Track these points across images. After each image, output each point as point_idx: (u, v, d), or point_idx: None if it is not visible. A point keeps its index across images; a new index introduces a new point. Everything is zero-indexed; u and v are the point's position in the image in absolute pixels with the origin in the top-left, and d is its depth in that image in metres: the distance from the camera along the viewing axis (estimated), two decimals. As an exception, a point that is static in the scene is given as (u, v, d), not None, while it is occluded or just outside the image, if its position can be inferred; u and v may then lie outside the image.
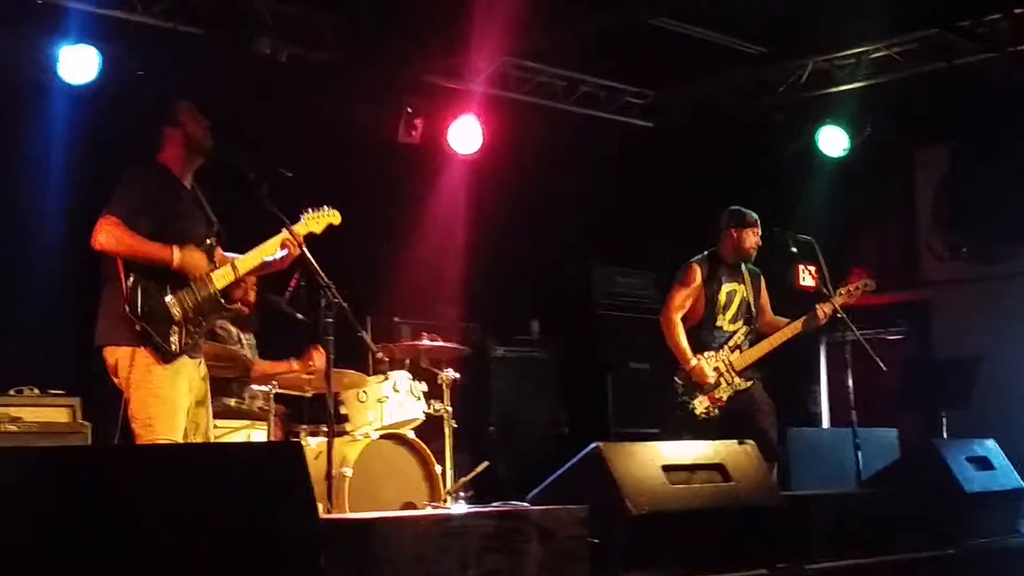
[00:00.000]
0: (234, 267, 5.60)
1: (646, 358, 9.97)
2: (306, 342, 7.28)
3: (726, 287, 7.34)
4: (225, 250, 5.70)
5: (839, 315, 7.29)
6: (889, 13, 8.85)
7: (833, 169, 10.12)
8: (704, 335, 7.30)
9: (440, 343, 7.36)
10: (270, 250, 5.70)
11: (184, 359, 5.40)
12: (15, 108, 7.70)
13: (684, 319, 7.30)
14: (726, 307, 7.33)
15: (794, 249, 7.45)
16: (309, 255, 5.71)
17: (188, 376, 5.45)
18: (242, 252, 5.70)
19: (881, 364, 7.26)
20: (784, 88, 10.07)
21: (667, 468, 5.38)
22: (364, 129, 9.13)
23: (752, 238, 7.37)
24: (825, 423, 10.96)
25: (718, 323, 7.31)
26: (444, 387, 7.13)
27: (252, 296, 7.40)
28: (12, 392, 6.77)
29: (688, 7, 8.75)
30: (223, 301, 5.56)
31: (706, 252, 7.43)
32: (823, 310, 7.26)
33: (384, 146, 9.26)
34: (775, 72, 10.06)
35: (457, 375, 7.23)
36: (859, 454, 7.18)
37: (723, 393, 7.21)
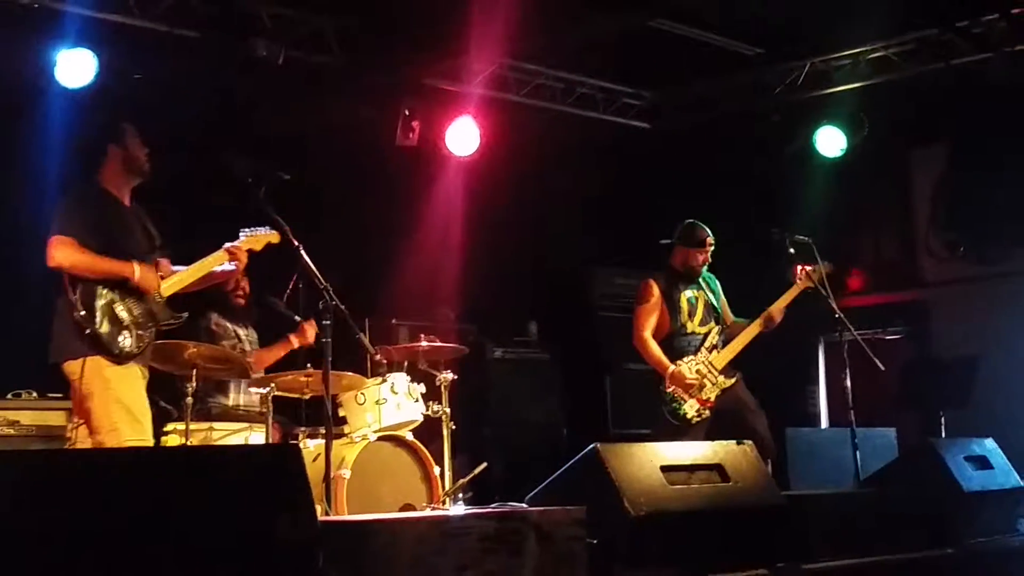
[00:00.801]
0: (180, 279, 5.80)
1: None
2: (304, 348, 7.33)
3: (685, 294, 7.54)
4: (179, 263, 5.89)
5: (836, 315, 7.33)
6: (886, 14, 8.86)
7: (831, 169, 10.12)
8: (679, 343, 7.48)
9: (438, 345, 7.36)
10: (212, 264, 5.92)
11: (134, 367, 5.54)
12: (13, 111, 7.70)
13: (656, 334, 7.49)
14: (692, 313, 7.52)
15: (792, 250, 7.50)
16: (307, 258, 5.73)
17: (140, 381, 5.57)
18: None
19: (879, 364, 7.28)
20: (781, 89, 10.08)
21: (666, 469, 5.37)
22: (362, 131, 9.14)
23: (699, 258, 7.56)
24: (823, 423, 10.97)
25: (689, 329, 7.50)
26: (442, 389, 7.13)
27: (246, 284, 7.43)
28: (10, 395, 6.78)
29: (686, 9, 8.76)
30: (170, 311, 5.72)
31: (662, 268, 7.64)
32: (780, 304, 7.43)
33: (382, 148, 9.26)
34: (773, 73, 10.07)
35: (455, 377, 7.23)
36: (857, 454, 7.18)
37: (710, 393, 7.36)
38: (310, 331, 7.27)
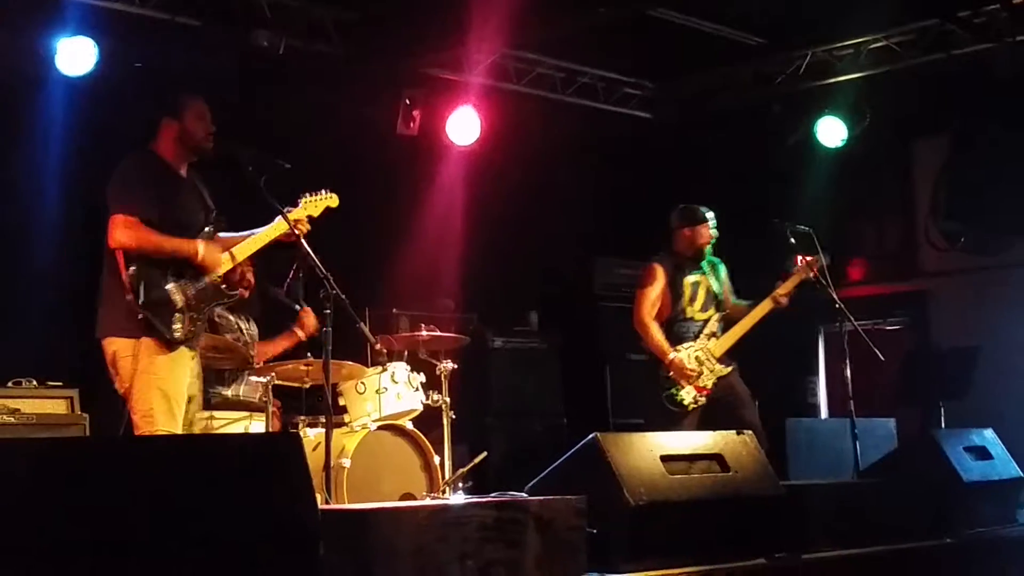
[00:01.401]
0: (232, 255, 5.62)
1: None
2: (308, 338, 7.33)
3: (688, 280, 7.51)
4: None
5: (836, 305, 7.33)
6: (888, 4, 8.85)
7: (832, 160, 10.11)
8: (678, 328, 7.47)
9: (438, 334, 7.35)
10: (272, 234, 5.74)
11: (184, 350, 5.42)
12: (12, 100, 7.69)
13: (656, 317, 7.47)
14: (692, 298, 7.50)
15: (792, 240, 7.49)
16: (307, 247, 5.72)
17: (187, 368, 5.47)
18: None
19: (879, 355, 7.29)
20: (783, 79, 10.07)
21: (665, 458, 5.38)
22: (362, 121, 9.13)
23: (705, 234, 7.52)
24: (823, 414, 10.98)
25: (688, 314, 7.48)
26: (442, 378, 7.13)
27: (250, 276, 7.41)
28: (10, 384, 6.78)
29: (686, -2, 8.76)
30: (224, 288, 5.59)
31: (662, 252, 7.61)
32: (783, 289, 7.37)
33: (382, 137, 9.25)
34: (774, 63, 10.05)
35: (455, 366, 7.23)
36: (857, 444, 7.18)
37: (707, 381, 7.38)
38: (309, 319, 7.25)
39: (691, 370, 7.34)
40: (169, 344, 5.35)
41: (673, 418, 7.30)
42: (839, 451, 7.71)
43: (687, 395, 7.35)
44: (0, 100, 7.56)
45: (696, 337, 7.46)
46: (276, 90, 8.55)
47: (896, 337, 10.73)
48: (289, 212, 5.74)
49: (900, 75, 9.56)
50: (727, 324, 7.54)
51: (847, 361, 7.35)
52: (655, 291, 7.49)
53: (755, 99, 10.26)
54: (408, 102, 9.25)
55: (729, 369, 7.42)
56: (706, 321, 7.49)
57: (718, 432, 5.84)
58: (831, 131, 9.97)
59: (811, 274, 7.39)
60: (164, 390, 5.36)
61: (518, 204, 9.76)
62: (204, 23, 8.03)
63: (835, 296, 7.34)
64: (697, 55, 9.89)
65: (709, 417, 7.24)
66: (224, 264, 5.59)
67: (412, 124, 9.29)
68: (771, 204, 7.50)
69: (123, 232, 5.33)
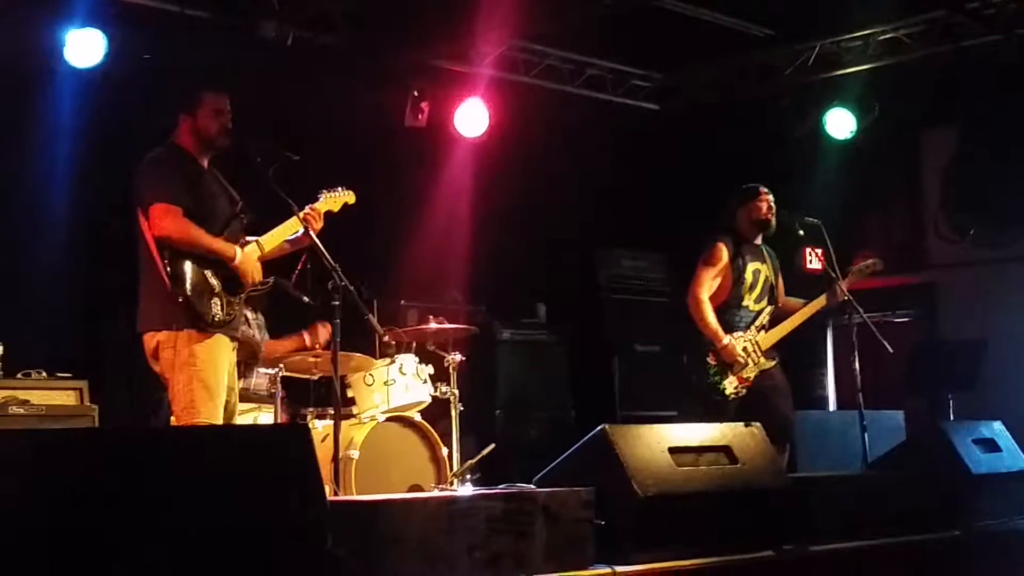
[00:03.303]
0: (259, 245, 5.65)
1: (653, 340, 9.98)
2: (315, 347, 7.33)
3: (751, 266, 7.27)
4: (250, 228, 5.75)
5: (847, 297, 7.31)
6: (896, -5, 8.85)
7: (840, 152, 10.10)
8: (730, 315, 7.22)
9: (446, 326, 7.36)
10: (292, 228, 5.76)
11: (223, 338, 5.45)
12: (22, 92, 7.70)
13: (713, 297, 7.21)
14: (752, 286, 7.26)
15: (801, 232, 7.45)
16: (316, 239, 5.73)
17: (227, 357, 5.48)
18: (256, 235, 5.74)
19: (888, 347, 7.26)
20: (791, 71, 10.04)
21: (674, 450, 5.37)
22: (370, 112, 9.13)
23: (764, 204, 7.31)
24: (832, 406, 10.98)
25: (744, 302, 7.25)
26: (450, 370, 7.14)
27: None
28: (20, 375, 6.79)
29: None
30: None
31: (726, 231, 7.34)
32: (841, 287, 7.26)
33: (390, 129, 9.25)
34: (782, 54, 10.03)
35: (463, 358, 7.24)
36: (865, 436, 7.17)
37: (750, 372, 7.18)
38: (323, 333, 7.21)
39: (740, 358, 7.12)
40: (208, 330, 5.37)
41: (714, 407, 7.08)
42: (847, 443, 7.70)
43: (729, 385, 7.12)
44: (9, 92, 7.56)
45: (748, 327, 7.23)
46: (284, 82, 8.54)
47: (905, 329, 10.72)
48: (311, 206, 5.75)
49: (908, 67, 9.54)
50: (775, 318, 7.37)
51: (855, 353, 7.33)
52: (716, 270, 7.20)
53: (763, 91, 10.24)
54: (416, 94, 9.25)
55: (773, 363, 7.26)
56: (759, 312, 7.28)
57: (726, 424, 5.83)
58: (839, 123, 9.95)
59: (864, 277, 7.33)
60: (204, 380, 5.37)
61: (526, 196, 9.76)
62: (213, 15, 8.03)
63: (844, 288, 7.32)
64: (705, 47, 9.88)
65: (745, 406, 7.04)
66: (258, 273, 5.61)
67: (420, 116, 9.29)
68: (779, 196, 7.47)
69: (168, 221, 5.35)
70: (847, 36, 9.66)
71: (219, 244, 5.46)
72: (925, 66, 9.46)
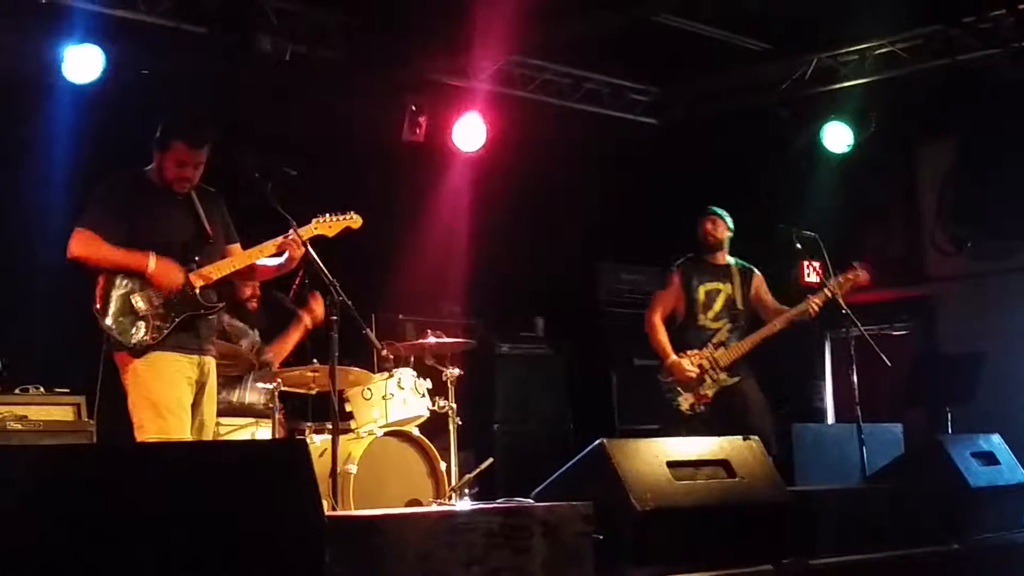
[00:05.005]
0: (218, 267, 5.61)
1: (651, 355, 9.92)
2: (308, 341, 7.33)
3: (706, 286, 7.59)
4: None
5: (843, 310, 7.33)
6: (893, 9, 8.85)
7: (837, 165, 10.11)
8: (688, 334, 7.57)
9: (445, 340, 7.36)
10: (265, 252, 5.72)
11: (167, 355, 5.42)
12: (20, 107, 7.71)
13: (670, 320, 7.60)
14: (707, 305, 7.57)
15: (799, 245, 7.52)
16: (313, 253, 5.72)
17: (177, 373, 5.45)
18: None
19: (886, 360, 7.28)
20: (788, 84, 10.06)
21: (672, 464, 5.38)
22: (368, 127, 9.14)
23: (706, 224, 7.65)
24: (830, 418, 10.97)
25: (700, 321, 7.56)
26: (449, 384, 7.14)
27: (258, 292, 7.43)
28: (17, 391, 6.79)
29: (692, 4, 8.75)
30: (201, 299, 5.53)
31: (688, 256, 7.74)
32: (814, 302, 7.36)
33: (388, 144, 9.26)
34: (779, 69, 10.04)
35: (462, 372, 7.24)
36: (864, 449, 7.19)
37: (708, 390, 7.42)
38: (317, 306, 7.26)
39: (690, 373, 7.36)
40: (133, 351, 5.38)
41: (674, 424, 7.37)
42: (846, 456, 7.71)
43: (684, 402, 7.44)
44: (7, 107, 7.58)
45: (704, 345, 7.48)
46: (281, 97, 8.55)
47: (902, 342, 10.73)
48: (294, 232, 5.70)
49: (905, 81, 9.56)
50: (745, 334, 7.52)
51: (853, 366, 7.35)
52: (668, 293, 7.64)
53: (761, 105, 10.26)
54: (414, 108, 9.26)
55: (736, 380, 7.41)
56: (716, 330, 7.52)
57: (724, 438, 5.83)
58: (837, 136, 9.97)
59: (843, 291, 7.39)
60: (150, 398, 5.37)
61: (524, 210, 9.77)
62: (210, 30, 8.05)
63: (841, 301, 7.34)
64: (703, 61, 9.90)
65: (717, 426, 7.18)
66: (205, 276, 5.54)
67: (418, 130, 9.30)
68: (777, 210, 7.51)
69: (74, 242, 5.42)
70: (844, 50, 9.68)
71: (128, 256, 5.42)
72: (922, 80, 9.48)
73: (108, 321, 5.37)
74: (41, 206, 7.75)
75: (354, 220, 5.99)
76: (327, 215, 5.91)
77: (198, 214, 5.65)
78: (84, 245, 5.41)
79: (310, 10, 8.53)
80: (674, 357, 7.43)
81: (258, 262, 5.77)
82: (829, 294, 7.37)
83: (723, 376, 7.41)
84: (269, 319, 7.56)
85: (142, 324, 5.39)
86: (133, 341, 5.37)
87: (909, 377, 9.15)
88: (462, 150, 9.66)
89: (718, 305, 7.55)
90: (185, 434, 5.40)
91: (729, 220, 7.70)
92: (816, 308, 7.36)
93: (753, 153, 10.27)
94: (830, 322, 7.52)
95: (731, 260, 7.71)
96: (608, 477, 5.13)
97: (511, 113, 9.74)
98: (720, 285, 7.59)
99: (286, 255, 5.72)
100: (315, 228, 5.84)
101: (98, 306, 5.38)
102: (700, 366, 7.41)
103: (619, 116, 10.53)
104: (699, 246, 7.70)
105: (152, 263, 5.42)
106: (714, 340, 7.49)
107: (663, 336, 7.53)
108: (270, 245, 5.70)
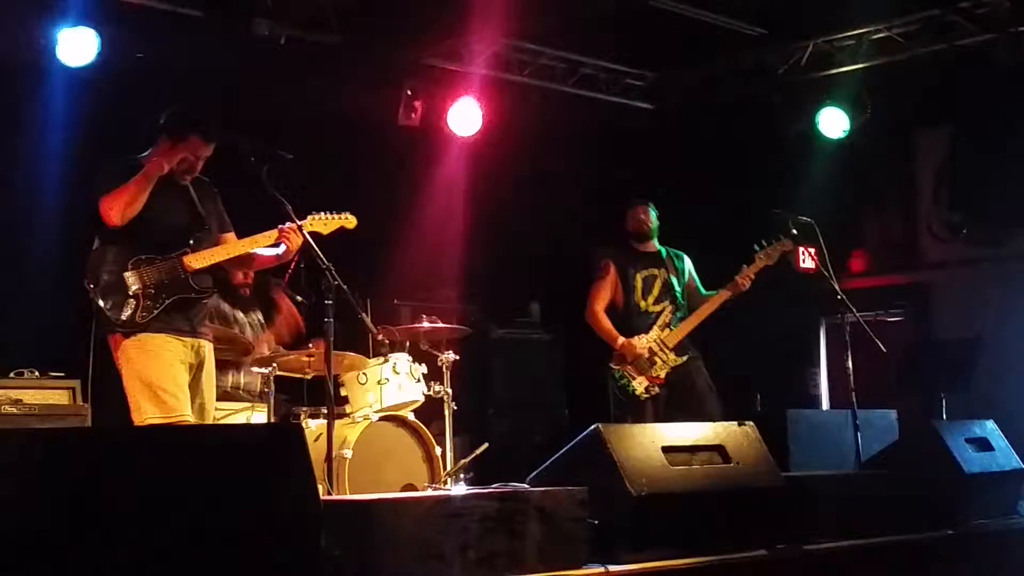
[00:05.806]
0: (212, 253, 5.63)
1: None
2: (307, 323, 7.32)
3: (642, 273, 7.72)
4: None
5: (839, 296, 7.33)
6: (890, -6, 8.85)
7: (834, 151, 10.09)
8: (633, 320, 7.64)
9: (440, 325, 7.35)
10: (260, 243, 5.75)
11: (159, 336, 5.42)
12: (14, 90, 7.69)
13: (612, 308, 7.68)
14: (645, 291, 7.68)
15: (794, 231, 7.50)
16: (310, 239, 5.71)
17: (176, 355, 5.45)
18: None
19: (881, 346, 7.28)
20: (784, 69, 10.04)
21: (667, 449, 5.38)
22: (363, 111, 9.12)
23: (633, 218, 7.83)
24: (825, 405, 10.98)
25: (642, 307, 7.66)
26: (444, 369, 7.13)
27: (250, 279, 7.41)
28: (12, 374, 6.78)
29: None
30: (192, 283, 5.55)
31: (616, 243, 7.90)
32: (747, 274, 7.50)
33: (383, 128, 9.24)
34: (775, 53, 10.02)
35: (457, 357, 7.23)
36: (859, 435, 7.19)
37: (660, 371, 7.50)
38: (294, 236, 7.13)
39: (640, 352, 7.45)
40: (124, 330, 5.38)
41: (627, 409, 7.44)
42: (841, 442, 7.71)
43: (639, 385, 7.49)
44: (1, 90, 7.55)
45: (649, 328, 7.57)
46: (277, 80, 8.53)
47: (898, 328, 10.73)
48: (292, 223, 5.71)
49: (902, 66, 9.53)
50: (686, 315, 7.62)
51: (849, 352, 7.35)
52: (605, 283, 7.73)
53: (756, 90, 10.24)
54: (409, 93, 9.24)
55: (684, 359, 7.52)
56: (659, 313, 7.62)
57: (719, 423, 5.85)
58: (833, 122, 9.95)
59: (773, 261, 7.52)
60: (144, 379, 5.38)
61: (519, 195, 9.76)
62: (205, 13, 8.02)
63: (837, 287, 7.34)
64: (698, 46, 9.87)
65: (670, 406, 7.40)
66: (201, 260, 5.56)
67: (413, 115, 9.29)
68: (773, 195, 7.49)
69: (109, 209, 5.38)
70: (840, 35, 9.65)
71: (146, 172, 5.44)
72: (918, 65, 9.46)
73: (99, 296, 5.38)
74: (35, 189, 7.73)
75: (349, 220, 6.02)
76: (323, 213, 5.93)
77: (193, 201, 5.69)
78: (115, 200, 5.38)
79: (306, -7, 8.51)
80: (623, 339, 7.51)
81: (257, 252, 5.80)
82: (760, 265, 7.50)
83: (672, 356, 7.50)
84: (265, 306, 7.56)
85: (132, 302, 5.40)
86: (123, 317, 5.37)
87: (904, 363, 9.15)
88: (458, 134, 9.64)
89: (656, 290, 7.67)
90: (185, 412, 5.40)
91: (655, 210, 7.86)
92: (748, 281, 7.49)
93: (749, 138, 10.25)
94: (825, 308, 7.51)
95: (659, 247, 7.86)
96: (603, 462, 5.13)
97: (507, 98, 9.72)
98: (655, 271, 7.71)
99: (283, 247, 5.73)
100: (311, 224, 5.86)
101: (90, 284, 5.39)
102: (649, 348, 7.50)
103: (615, 101, 10.52)
104: (629, 234, 7.84)
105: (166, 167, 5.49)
106: (659, 323, 7.58)
107: (607, 323, 7.62)
108: (265, 236, 5.71)
